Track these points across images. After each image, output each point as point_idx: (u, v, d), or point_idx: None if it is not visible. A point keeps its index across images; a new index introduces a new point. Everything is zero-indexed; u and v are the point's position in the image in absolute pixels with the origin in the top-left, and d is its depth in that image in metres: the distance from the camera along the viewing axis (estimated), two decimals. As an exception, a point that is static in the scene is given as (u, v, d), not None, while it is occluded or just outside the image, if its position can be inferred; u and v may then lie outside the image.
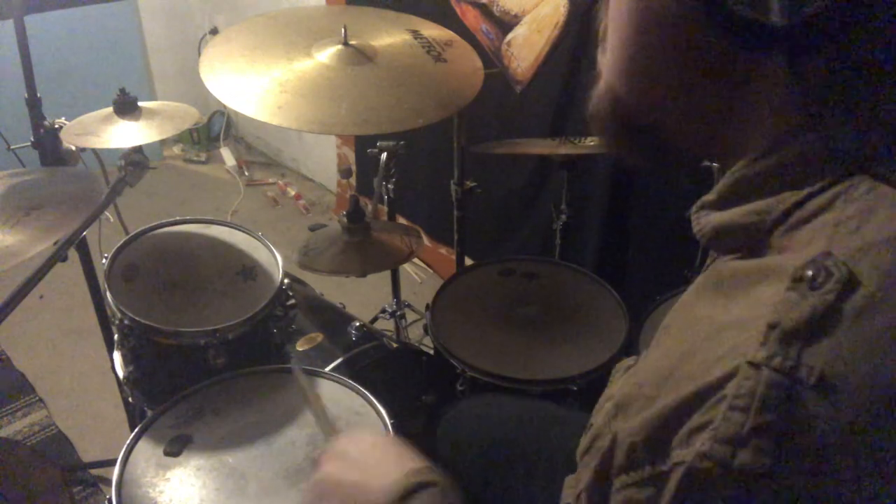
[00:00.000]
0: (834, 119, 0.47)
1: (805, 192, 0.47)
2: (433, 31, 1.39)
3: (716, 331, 0.46)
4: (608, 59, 0.56)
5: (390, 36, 1.34)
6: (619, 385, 0.57)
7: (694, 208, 0.55)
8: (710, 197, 0.54)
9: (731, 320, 0.45)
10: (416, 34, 1.36)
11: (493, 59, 2.08)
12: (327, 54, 1.24)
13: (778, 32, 0.45)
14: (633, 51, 0.54)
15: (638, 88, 0.55)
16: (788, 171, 0.48)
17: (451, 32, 1.41)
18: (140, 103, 1.43)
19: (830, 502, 0.40)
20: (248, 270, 1.41)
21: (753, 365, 0.41)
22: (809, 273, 0.42)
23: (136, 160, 1.42)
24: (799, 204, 0.47)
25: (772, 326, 0.41)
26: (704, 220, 0.54)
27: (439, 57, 1.31)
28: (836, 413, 0.39)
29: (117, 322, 1.31)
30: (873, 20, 0.45)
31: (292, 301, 1.39)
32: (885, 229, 0.43)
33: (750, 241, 0.50)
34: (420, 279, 2.61)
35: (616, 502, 0.48)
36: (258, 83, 1.18)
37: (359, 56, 1.25)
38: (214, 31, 3.22)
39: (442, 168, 1.87)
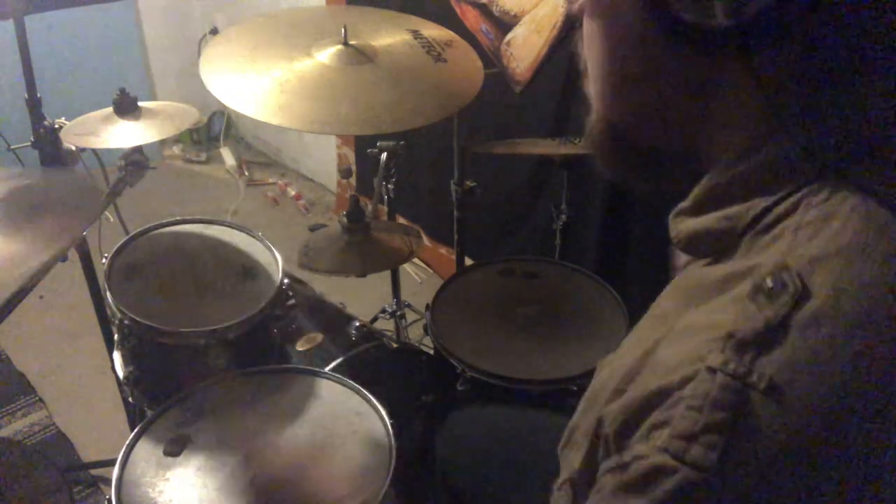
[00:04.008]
0: (797, 124, 0.49)
1: (775, 197, 0.48)
2: (433, 31, 1.39)
3: (679, 333, 0.48)
4: (593, 89, 0.59)
5: (390, 36, 1.34)
6: (594, 382, 0.59)
7: (671, 214, 0.57)
8: (685, 203, 0.55)
9: (694, 324, 0.47)
10: (416, 34, 1.36)
11: (492, 59, 2.08)
12: (327, 54, 1.24)
13: (725, 34, 0.46)
14: (611, 76, 0.57)
15: (623, 111, 0.58)
16: (758, 178, 0.50)
17: (451, 32, 1.41)
18: (140, 103, 1.43)
19: None
20: (248, 270, 1.41)
21: (711, 370, 0.43)
22: (768, 284, 0.44)
23: (136, 160, 1.42)
24: (768, 209, 0.49)
25: (730, 335, 0.43)
26: (681, 227, 0.55)
27: (439, 57, 1.31)
28: (784, 418, 0.41)
29: (117, 322, 1.31)
30: (832, 15, 0.46)
31: (292, 301, 1.39)
32: (838, 239, 0.45)
33: (722, 246, 0.52)
34: (420, 279, 2.61)
35: (598, 486, 0.51)
36: (258, 83, 1.17)
37: (359, 56, 1.25)
38: (214, 31, 3.22)
39: (442, 168, 1.87)
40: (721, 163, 0.52)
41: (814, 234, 0.45)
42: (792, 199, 0.48)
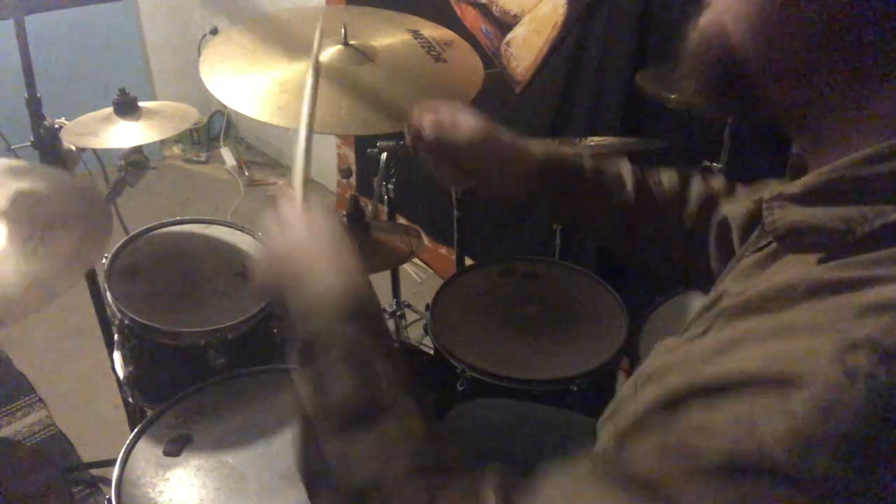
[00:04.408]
0: None
1: None
2: (433, 31, 1.39)
3: (787, 326, 0.43)
4: None
5: (390, 36, 1.34)
6: (654, 361, 0.54)
7: (769, 197, 0.50)
8: (792, 189, 0.49)
9: (808, 321, 0.42)
10: (416, 34, 1.36)
11: (492, 59, 2.08)
12: (327, 54, 1.24)
13: None
14: (763, 6, 0.48)
15: (755, 43, 0.49)
16: None
17: (451, 32, 1.41)
18: (140, 103, 1.43)
19: None
20: (249, 270, 1.41)
21: (853, 373, 0.38)
22: None
23: (136, 160, 1.42)
24: None
25: (875, 343, 0.39)
26: (782, 213, 0.49)
27: (439, 57, 1.31)
28: None
29: (117, 322, 1.31)
30: None
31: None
32: None
33: (831, 247, 0.46)
34: (420, 279, 2.61)
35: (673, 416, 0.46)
36: (258, 83, 1.17)
37: (359, 56, 1.25)
38: (214, 31, 3.22)
39: (442, 168, 1.87)
40: (851, 154, 0.45)
41: None
42: None
